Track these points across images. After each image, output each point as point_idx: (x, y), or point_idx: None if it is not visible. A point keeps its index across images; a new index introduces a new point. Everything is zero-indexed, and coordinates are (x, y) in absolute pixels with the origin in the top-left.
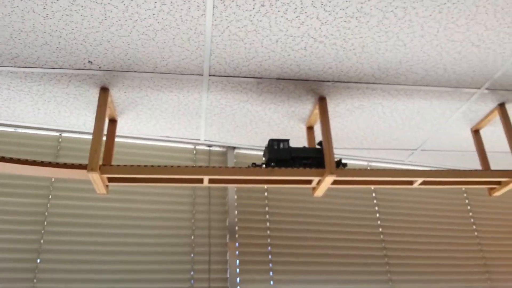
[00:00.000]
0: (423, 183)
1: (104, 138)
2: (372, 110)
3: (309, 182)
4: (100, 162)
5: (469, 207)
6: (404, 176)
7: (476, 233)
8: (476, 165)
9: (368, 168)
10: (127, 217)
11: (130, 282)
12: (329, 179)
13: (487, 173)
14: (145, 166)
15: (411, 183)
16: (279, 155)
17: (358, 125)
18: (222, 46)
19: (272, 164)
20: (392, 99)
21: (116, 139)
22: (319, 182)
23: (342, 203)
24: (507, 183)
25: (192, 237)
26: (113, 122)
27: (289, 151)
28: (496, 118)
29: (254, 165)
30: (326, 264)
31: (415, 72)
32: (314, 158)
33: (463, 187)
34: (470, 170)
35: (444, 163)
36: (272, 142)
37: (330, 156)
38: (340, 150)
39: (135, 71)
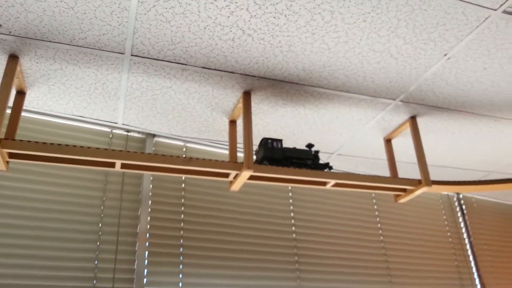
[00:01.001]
0: (336, 185)
1: (10, 110)
2: (294, 110)
3: (227, 175)
4: (2, 136)
5: (377, 213)
6: (318, 176)
7: (381, 237)
8: (386, 173)
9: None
10: (30, 199)
11: (29, 268)
12: (246, 174)
13: (394, 180)
14: (51, 144)
15: (324, 184)
16: (274, 154)
17: (281, 124)
18: (147, 25)
19: (265, 162)
20: (315, 102)
21: (24, 114)
22: (236, 176)
23: (258, 200)
24: (411, 191)
25: (100, 225)
26: (21, 94)
27: (283, 151)
28: (407, 130)
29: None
30: (237, 260)
31: (337, 77)
32: (306, 159)
33: (372, 192)
34: (379, 176)
35: (357, 168)
36: (266, 140)
37: (249, 151)
38: None
39: (49, 41)
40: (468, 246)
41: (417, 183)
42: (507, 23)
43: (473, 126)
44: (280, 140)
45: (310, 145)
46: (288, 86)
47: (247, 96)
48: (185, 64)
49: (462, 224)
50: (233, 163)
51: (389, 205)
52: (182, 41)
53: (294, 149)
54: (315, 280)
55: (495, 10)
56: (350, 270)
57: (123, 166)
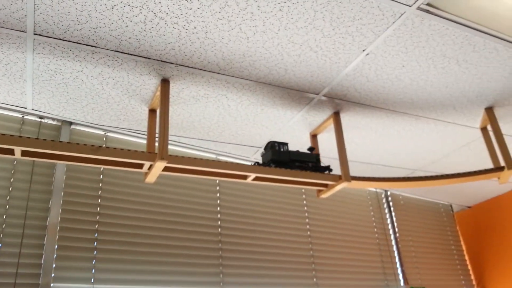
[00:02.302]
0: (256, 178)
1: None
2: (217, 101)
3: (141, 166)
4: None
5: (306, 208)
6: (237, 169)
7: (309, 233)
8: None
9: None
10: None
11: None
12: (160, 165)
13: (315, 176)
14: None
15: (245, 177)
16: (280, 157)
17: (204, 114)
18: (49, 2)
19: (272, 165)
20: (237, 93)
21: None
22: (150, 167)
23: (184, 193)
24: (332, 186)
25: (4, 217)
26: None
27: (289, 154)
28: (332, 125)
29: (257, 163)
30: (155, 255)
31: (258, 68)
32: (310, 162)
33: (294, 186)
34: (301, 171)
35: None
36: (273, 144)
37: (164, 141)
38: (187, 139)
39: None
40: (393, 242)
41: (338, 179)
42: (422, 21)
43: (395, 124)
44: (286, 144)
45: (311, 149)
46: (209, 75)
47: (165, 84)
48: (95, 47)
49: (388, 221)
50: (146, 153)
51: (318, 201)
52: (89, 21)
53: (298, 152)
54: (239, 275)
55: (410, 6)
56: (275, 265)
57: (25, 153)
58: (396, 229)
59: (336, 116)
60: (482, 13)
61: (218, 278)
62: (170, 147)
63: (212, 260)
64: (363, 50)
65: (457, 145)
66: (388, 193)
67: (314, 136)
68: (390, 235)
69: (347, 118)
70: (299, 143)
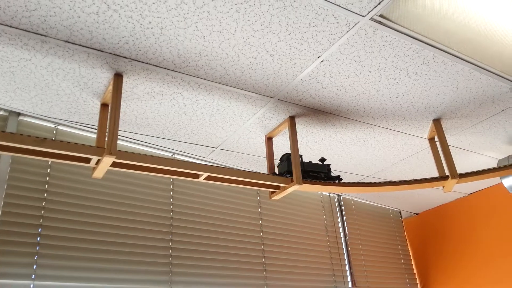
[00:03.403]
0: (208, 178)
1: None
2: (172, 99)
3: (89, 160)
4: None
5: (260, 209)
6: (188, 168)
7: (261, 234)
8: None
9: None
10: None
11: None
12: (107, 160)
13: (267, 177)
14: None
15: (197, 176)
16: None
17: (158, 112)
18: None
19: (288, 175)
20: (193, 92)
21: None
22: (98, 162)
23: (136, 191)
24: (284, 188)
25: None
26: None
27: (303, 165)
28: (287, 129)
29: (274, 174)
30: (102, 252)
31: (214, 68)
32: (322, 172)
33: (247, 187)
34: (254, 172)
35: (242, 165)
36: (289, 156)
37: (114, 136)
38: (141, 136)
39: None
40: (343, 245)
41: (289, 181)
42: (375, 31)
43: (348, 131)
44: (300, 156)
45: (322, 159)
46: (164, 72)
47: (118, 78)
48: (45, 36)
49: (340, 224)
50: (94, 147)
51: (272, 203)
52: (38, 9)
53: (311, 163)
54: (188, 275)
55: (364, 16)
56: (226, 265)
57: None
58: (347, 233)
59: (291, 120)
60: (432, 28)
61: (167, 277)
62: (123, 143)
63: (161, 258)
64: (318, 57)
65: (406, 154)
66: (341, 197)
67: (269, 139)
68: (340, 238)
69: (302, 122)
70: (254, 145)
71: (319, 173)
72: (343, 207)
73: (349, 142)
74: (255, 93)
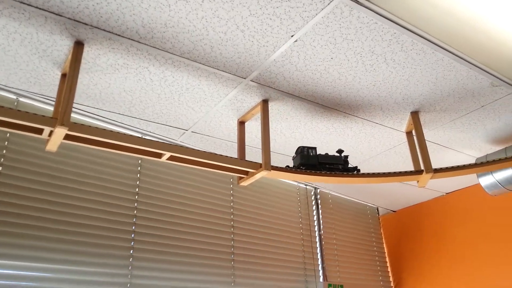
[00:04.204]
0: (172, 158)
1: None
2: (138, 73)
3: (42, 131)
4: None
5: (232, 198)
6: (149, 146)
7: (232, 223)
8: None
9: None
10: None
11: None
12: (60, 131)
13: (235, 161)
14: None
15: (159, 156)
16: (309, 160)
17: (124, 87)
18: None
19: (302, 168)
20: (160, 67)
21: None
22: (51, 134)
23: (99, 170)
24: (252, 174)
25: None
26: None
27: (317, 157)
28: (260, 113)
29: (288, 167)
30: (57, 231)
31: (182, 42)
32: (339, 164)
33: (217, 172)
34: (220, 155)
35: (214, 150)
36: (303, 148)
37: (68, 106)
38: (107, 113)
39: None
40: (317, 239)
41: (258, 167)
42: (351, 11)
43: (324, 119)
44: (315, 148)
45: (340, 151)
46: (128, 43)
47: (79, 47)
48: None
49: (315, 218)
50: (46, 117)
51: (245, 192)
52: None
53: (327, 155)
54: (149, 260)
55: None
56: (191, 252)
57: None
58: (322, 227)
59: (265, 104)
60: (413, 12)
61: (127, 262)
62: (87, 119)
63: (122, 242)
64: (292, 36)
65: (384, 147)
66: (318, 191)
67: (241, 123)
68: (315, 232)
69: (276, 107)
70: (227, 130)
71: (335, 164)
72: (319, 201)
73: (325, 131)
74: (226, 72)
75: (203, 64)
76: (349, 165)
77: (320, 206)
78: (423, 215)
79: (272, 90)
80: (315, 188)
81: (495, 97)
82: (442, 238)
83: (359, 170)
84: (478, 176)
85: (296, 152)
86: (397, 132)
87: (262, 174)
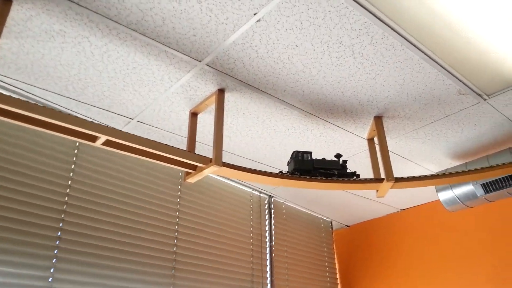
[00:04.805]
0: (108, 143)
1: None
2: (77, 44)
3: None
4: None
5: (179, 200)
6: (82, 126)
7: (176, 227)
8: None
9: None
10: None
11: None
12: None
13: (182, 153)
14: None
15: (93, 139)
16: (304, 165)
17: (60, 59)
18: None
19: (297, 173)
20: (103, 38)
21: None
22: None
23: (25, 156)
24: (201, 169)
25: None
26: None
27: (312, 162)
28: (214, 105)
29: (281, 173)
30: None
31: (129, 9)
32: (335, 169)
33: (156, 162)
34: (166, 145)
35: None
36: (297, 153)
37: None
38: (41, 91)
39: None
40: (267, 251)
41: (208, 161)
42: None
43: (284, 118)
44: (310, 152)
45: (338, 155)
46: (65, 5)
47: (6, 3)
48: None
49: (267, 228)
50: None
51: (194, 193)
52: None
53: (323, 160)
54: (77, 263)
55: None
56: (127, 257)
57: None
58: (273, 238)
59: (220, 94)
60: (387, 0)
61: (49, 263)
62: (18, 97)
63: (46, 240)
64: (254, 14)
65: (344, 154)
66: (272, 200)
67: (194, 115)
68: (265, 242)
69: (233, 99)
70: (177, 122)
71: (331, 170)
72: (272, 210)
73: (284, 131)
74: (179, 52)
75: (153, 39)
76: (348, 170)
77: (273, 216)
78: (377, 231)
79: (230, 79)
80: (269, 197)
81: (460, 106)
82: (395, 256)
83: (358, 176)
84: (438, 190)
85: (291, 157)
86: (359, 138)
87: (211, 169)
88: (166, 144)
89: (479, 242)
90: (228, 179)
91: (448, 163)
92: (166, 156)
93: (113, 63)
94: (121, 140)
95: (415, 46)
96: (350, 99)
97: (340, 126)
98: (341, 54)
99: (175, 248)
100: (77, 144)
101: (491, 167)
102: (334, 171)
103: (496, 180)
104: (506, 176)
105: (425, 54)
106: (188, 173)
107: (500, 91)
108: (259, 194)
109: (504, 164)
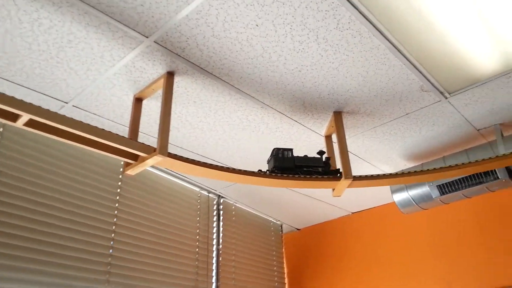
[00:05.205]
0: (31, 124)
1: None
2: (1, 7)
3: None
4: None
5: (119, 190)
6: (3, 103)
7: (114, 219)
8: None
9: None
10: None
11: None
12: None
13: (122, 140)
14: None
15: (14, 118)
16: (284, 163)
17: None
18: None
19: (277, 171)
20: (33, 2)
21: None
22: None
23: None
24: (143, 160)
25: None
26: None
27: (293, 160)
28: (162, 89)
29: (260, 171)
30: None
31: None
32: (318, 166)
33: (92, 150)
34: (102, 129)
35: None
36: (277, 151)
37: None
38: None
39: None
40: (214, 254)
41: (151, 151)
42: None
43: (238, 109)
44: (291, 149)
45: (321, 152)
46: None
47: None
48: None
49: (215, 230)
50: None
51: (137, 191)
52: None
53: (305, 157)
54: (7, 247)
55: None
56: (56, 250)
57: None
58: (221, 241)
59: (170, 77)
60: None
61: None
62: None
63: None
64: None
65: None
66: (221, 200)
67: (138, 100)
68: (212, 245)
69: (183, 84)
70: (119, 109)
71: (314, 167)
72: (221, 211)
73: (238, 124)
74: (123, 24)
75: (92, 7)
76: (331, 168)
77: (222, 217)
78: (328, 234)
79: (181, 60)
80: (219, 197)
81: (421, 104)
82: (347, 259)
83: (341, 173)
84: (393, 192)
85: (271, 155)
86: (316, 135)
87: (155, 160)
88: (102, 129)
89: (431, 244)
90: (175, 176)
91: (403, 165)
92: (102, 142)
93: (45, 33)
94: (48, 121)
95: (383, 34)
96: (310, 90)
97: (297, 121)
98: (304, 39)
99: (112, 243)
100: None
101: (450, 167)
102: (317, 168)
103: (452, 181)
104: (462, 178)
105: (392, 44)
106: (128, 164)
107: (462, 89)
108: (207, 194)
109: (463, 164)
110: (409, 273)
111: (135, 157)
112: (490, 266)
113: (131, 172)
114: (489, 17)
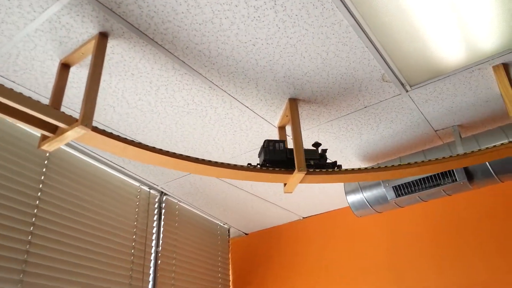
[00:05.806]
0: None
1: None
2: None
3: None
4: None
5: (43, 177)
6: None
7: (35, 210)
8: None
9: None
10: None
11: None
12: None
13: (37, 106)
14: None
15: None
16: (275, 156)
17: None
18: None
19: (268, 165)
20: None
21: None
22: None
23: None
24: (62, 132)
25: None
26: None
27: (286, 152)
28: (92, 54)
29: (250, 165)
30: None
31: None
32: (312, 159)
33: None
34: (10, 90)
35: None
36: (268, 143)
37: None
38: None
39: None
40: (152, 257)
41: (73, 121)
42: None
43: (183, 88)
44: (283, 141)
45: (317, 144)
46: None
47: None
48: None
49: (154, 230)
50: None
51: (66, 181)
52: None
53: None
54: None
55: None
56: None
57: None
58: (160, 242)
59: (102, 39)
60: None
61: None
62: None
63: None
64: None
65: (251, 145)
66: (164, 198)
67: (65, 67)
68: (151, 247)
69: (119, 50)
70: (42, 75)
71: (308, 160)
72: (163, 210)
73: (183, 106)
74: None
75: None
76: (328, 161)
77: (163, 216)
78: (277, 240)
79: (116, 18)
80: (161, 194)
81: (381, 97)
82: (296, 266)
83: (339, 166)
84: (347, 193)
85: (262, 146)
86: (269, 125)
87: (76, 133)
88: (10, 88)
89: (384, 250)
90: (111, 167)
91: (358, 165)
92: (11, 105)
93: None
94: None
95: (347, 8)
96: (264, 70)
97: (249, 107)
98: (260, 4)
99: (30, 237)
100: None
101: (408, 164)
102: (310, 161)
103: (408, 182)
104: (419, 179)
105: (356, 21)
106: (45, 138)
107: (423, 83)
108: (148, 189)
109: (422, 161)
110: (362, 279)
111: (53, 130)
112: (441, 274)
113: (47, 147)
114: (461, 7)
